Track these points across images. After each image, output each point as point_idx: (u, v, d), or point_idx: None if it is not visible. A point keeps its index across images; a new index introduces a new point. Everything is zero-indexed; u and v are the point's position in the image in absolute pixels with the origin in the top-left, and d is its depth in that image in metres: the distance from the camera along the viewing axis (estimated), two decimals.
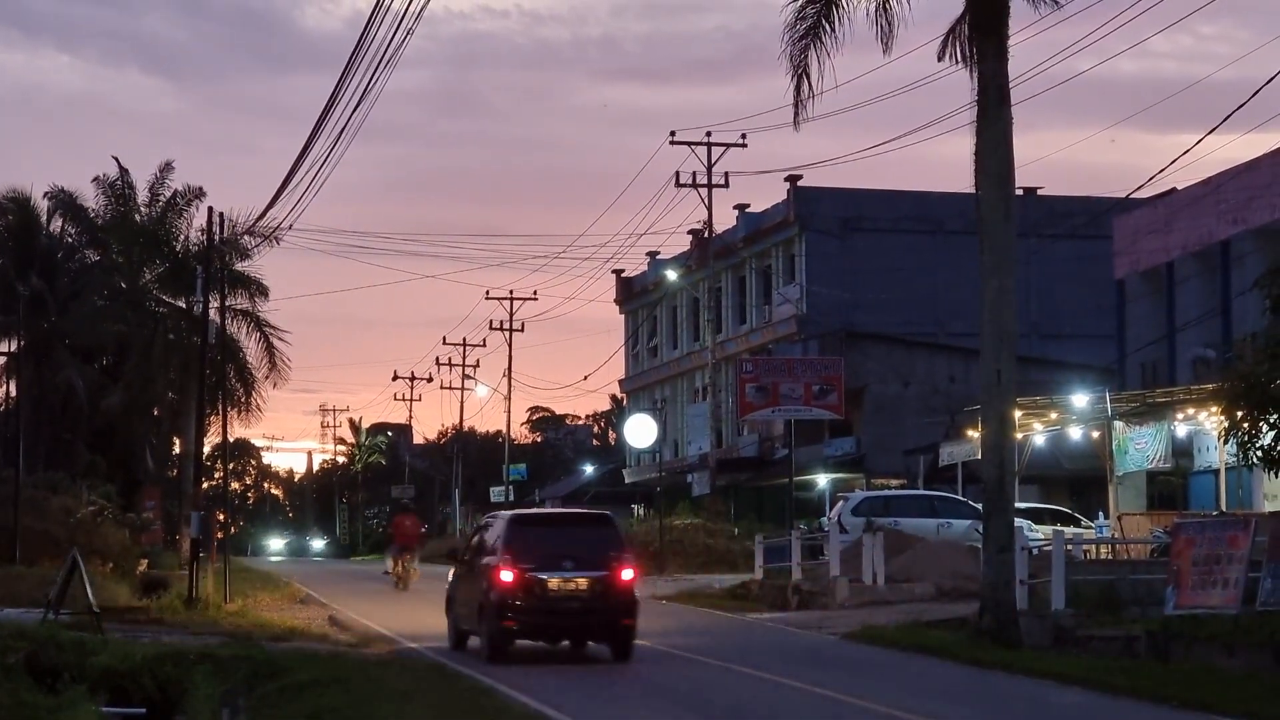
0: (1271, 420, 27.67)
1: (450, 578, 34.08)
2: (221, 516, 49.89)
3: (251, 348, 67.19)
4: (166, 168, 70.93)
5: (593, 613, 30.28)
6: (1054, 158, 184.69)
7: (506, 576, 29.82)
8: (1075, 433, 49.24)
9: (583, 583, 30.18)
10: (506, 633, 30.19)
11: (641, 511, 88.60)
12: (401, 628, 36.44)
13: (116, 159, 73.84)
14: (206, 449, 53.74)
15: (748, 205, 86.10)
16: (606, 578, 30.28)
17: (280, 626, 34.25)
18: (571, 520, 35.91)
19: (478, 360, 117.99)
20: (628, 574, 30.58)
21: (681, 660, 29.34)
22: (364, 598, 48.27)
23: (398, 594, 51.14)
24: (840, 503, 52.04)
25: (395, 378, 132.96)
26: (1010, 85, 32.69)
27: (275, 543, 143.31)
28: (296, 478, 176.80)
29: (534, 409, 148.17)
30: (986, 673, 27.44)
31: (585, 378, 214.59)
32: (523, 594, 29.88)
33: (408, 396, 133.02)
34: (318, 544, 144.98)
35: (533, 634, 30.75)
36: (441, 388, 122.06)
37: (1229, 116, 34.90)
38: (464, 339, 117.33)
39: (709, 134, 76.61)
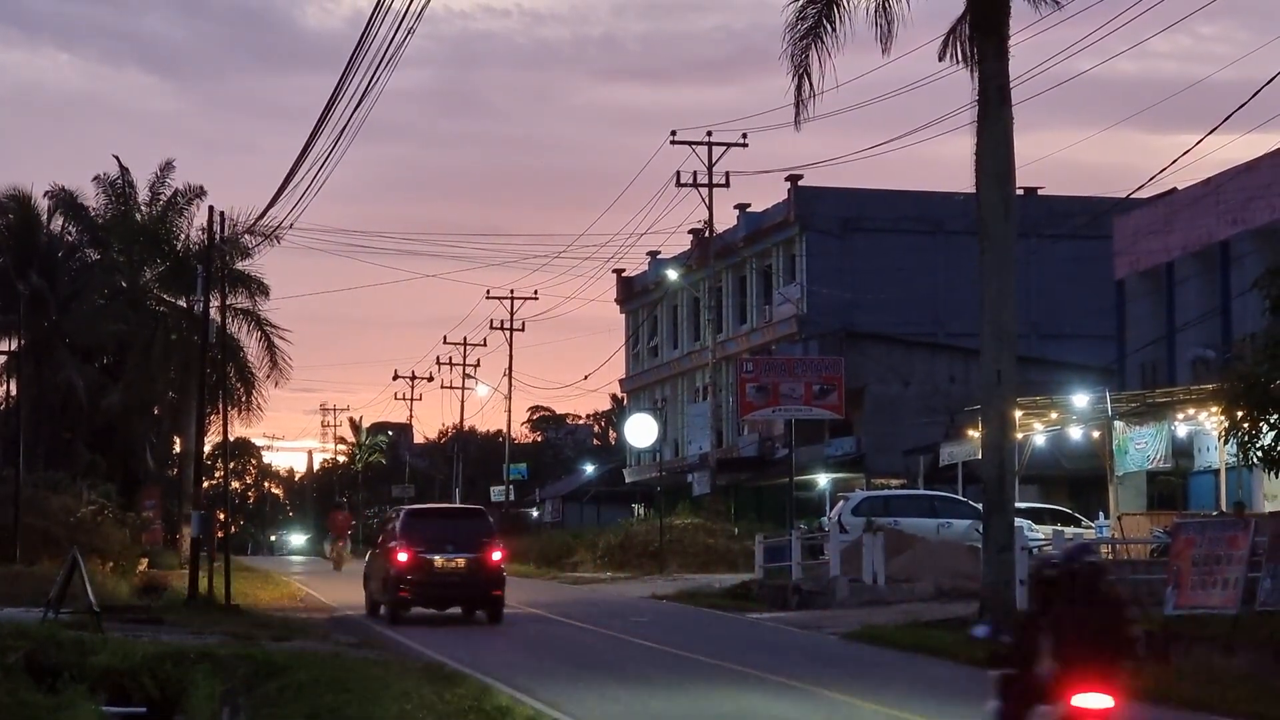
0: (1271, 420, 27.66)
1: (367, 558, 42.06)
2: (222, 515, 49.84)
3: (252, 347, 67.37)
4: (167, 167, 71.10)
5: (469, 585, 38.62)
6: (1054, 158, 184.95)
7: (403, 557, 38.24)
8: (1075, 433, 49.23)
9: (461, 562, 38.48)
10: (403, 601, 38.43)
11: (642, 511, 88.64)
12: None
13: (117, 158, 74.00)
14: (207, 448, 53.78)
15: (748, 205, 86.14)
16: (480, 558, 38.59)
17: (280, 625, 34.29)
18: (454, 513, 45.18)
19: (478, 360, 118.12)
20: (496, 555, 39.03)
21: (682, 659, 29.32)
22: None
23: (335, 574, 65.01)
24: (840, 502, 52.05)
25: (396, 377, 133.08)
26: (1011, 85, 32.72)
27: (297, 538, 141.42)
28: (297, 477, 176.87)
29: (534, 408, 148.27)
30: (985, 673, 27.38)
31: (586, 377, 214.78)
32: (415, 570, 38.21)
33: (408, 396, 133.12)
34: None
35: (423, 602, 38.83)
36: (442, 387, 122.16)
37: (1229, 117, 34.94)
38: (464, 338, 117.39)
39: (710, 134, 76.66)
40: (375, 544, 43.52)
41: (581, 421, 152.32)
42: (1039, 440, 50.46)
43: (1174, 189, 58.26)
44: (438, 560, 38.42)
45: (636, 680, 26.38)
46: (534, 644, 32.09)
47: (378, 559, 41.05)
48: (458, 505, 65.99)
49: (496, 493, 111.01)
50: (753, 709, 22.79)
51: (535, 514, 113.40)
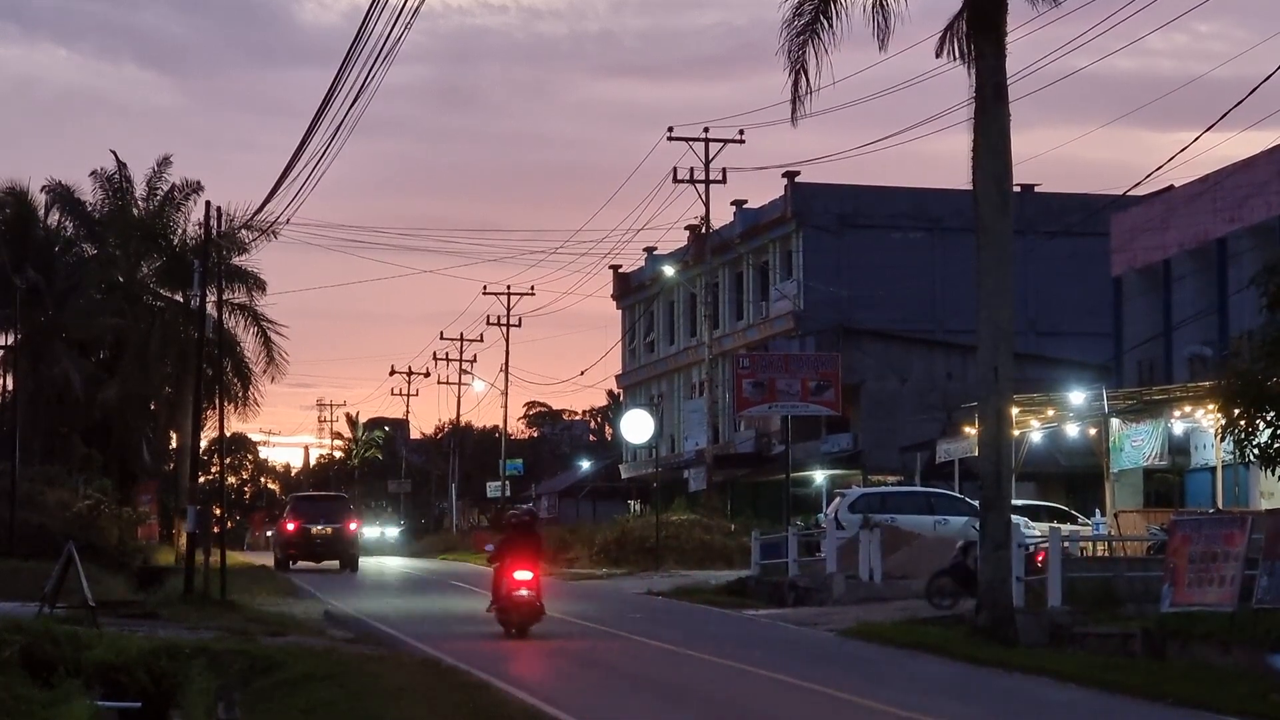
0: (1268, 418, 27.66)
1: (275, 530, 56.35)
2: (218, 511, 49.79)
3: (249, 342, 67.37)
4: (164, 162, 70.97)
5: (334, 545, 60.83)
6: (1052, 155, 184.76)
7: (290, 526, 61.41)
8: (1072, 430, 49.23)
9: (329, 530, 60.91)
10: (291, 556, 60.72)
11: (638, 507, 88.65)
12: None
13: (114, 153, 73.82)
14: (203, 443, 53.78)
15: (745, 201, 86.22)
16: (342, 527, 61.38)
17: (276, 620, 34.27)
18: (326, 499, 69.65)
19: (475, 355, 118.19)
20: (353, 526, 63.01)
21: (684, 658, 29.32)
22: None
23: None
24: (837, 499, 52.03)
25: (392, 372, 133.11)
26: (1008, 82, 32.69)
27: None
28: (293, 472, 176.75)
29: (531, 404, 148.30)
30: (982, 670, 27.44)
31: (582, 373, 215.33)
32: (298, 535, 60.87)
33: (405, 391, 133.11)
34: None
35: (304, 557, 60.77)
36: (439, 383, 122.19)
37: (1226, 114, 34.79)
38: (461, 334, 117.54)
39: (707, 130, 76.64)
40: (278, 521, 66.39)
41: (578, 417, 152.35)
42: (1036, 437, 50.47)
43: (1171, 186, 58.28)
44: (314, 529, 60.92)
45: (634, 677, 26.39)
46: (529, 642, 32.03)
47: (278, 529, 64.82)
48: (329, 493, 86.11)
49: (493, 488, 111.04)
50: (748, 705, 22.78)
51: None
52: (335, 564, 60.66)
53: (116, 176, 71.06)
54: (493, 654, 28.83)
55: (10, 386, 66.10)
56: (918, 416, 70.06)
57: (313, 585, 49.09)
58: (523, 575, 30.54)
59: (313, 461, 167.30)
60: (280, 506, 72.52)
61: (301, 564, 60.71)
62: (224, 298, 57.09)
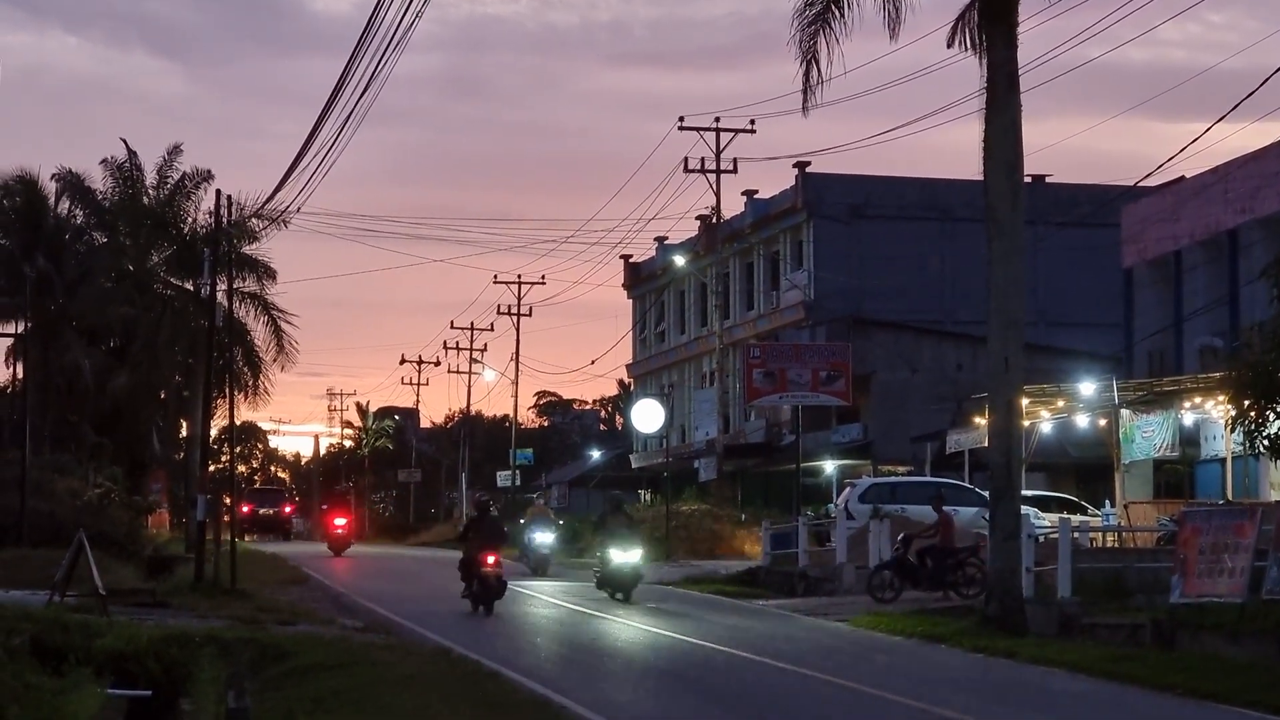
0: (1278, 409, 27.64)
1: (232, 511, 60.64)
2: (227, 499, 49.85)
3: (259, 331, 67.34)
4: (174, 150, 70.91)
5: (275, 523, 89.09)
6: (1063, 145, 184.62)
7: (245, 509, 78.92)
8: (1082, 421, 49.19)
9: (272, 511, 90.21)
10: (244, 530, 70.29)
11: (648, 497, 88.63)
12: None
13: (124, 141, 73.96)
14: (213, 432, 53.78)
15: (756, 191, 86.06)
16: (279, 509, 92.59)
17: (286, 609, 34.31)
18: (269, 490, 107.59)
19: (485, 344, 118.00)
20: (288, 509, 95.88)
21: (693, 647, 29.33)
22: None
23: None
24: (847, 489, 52.02)
25: (402, 361, 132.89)
26: (1019, 72, 32.67)
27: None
28: (303, 461, 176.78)
29: (541, 393, 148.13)
30: (992, 660, 27.45)
31: (593, 362, 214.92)
32: (251, 515, 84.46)
33: (415, 380, 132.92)
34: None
35: (255, 530, 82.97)
36: (449, 372, 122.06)
37: (1238, 105, 34.73)
38: (472, 323, 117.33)
39: (718, 119, 76.58)
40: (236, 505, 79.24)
41: (588, 407, 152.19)
42: (1046, 428, 50.40)
43: (1182, 177, 58.19)
44: (261, 511, 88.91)
45: (642, 667, 26.42)
46: (539, 630, 32.16)
47: (235, 511, 73.58)
48: (271, 486, 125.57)
49: (503, 477, 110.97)
50: (759, 694, 22.80)
51: (541, 500, 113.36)
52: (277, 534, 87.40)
53: (127, 165, 71.07)
54: (499, 643, 28.86)
55: (20, 375, 66.13)
56: (928, 407, 69.95)
57: (321, 574, 49.25)
58: (488, 557, 35.53)
59: (323, 450, 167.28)
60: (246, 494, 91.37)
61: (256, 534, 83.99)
62: (234, 286, 57.02)
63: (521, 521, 57.68)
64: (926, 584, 38.64)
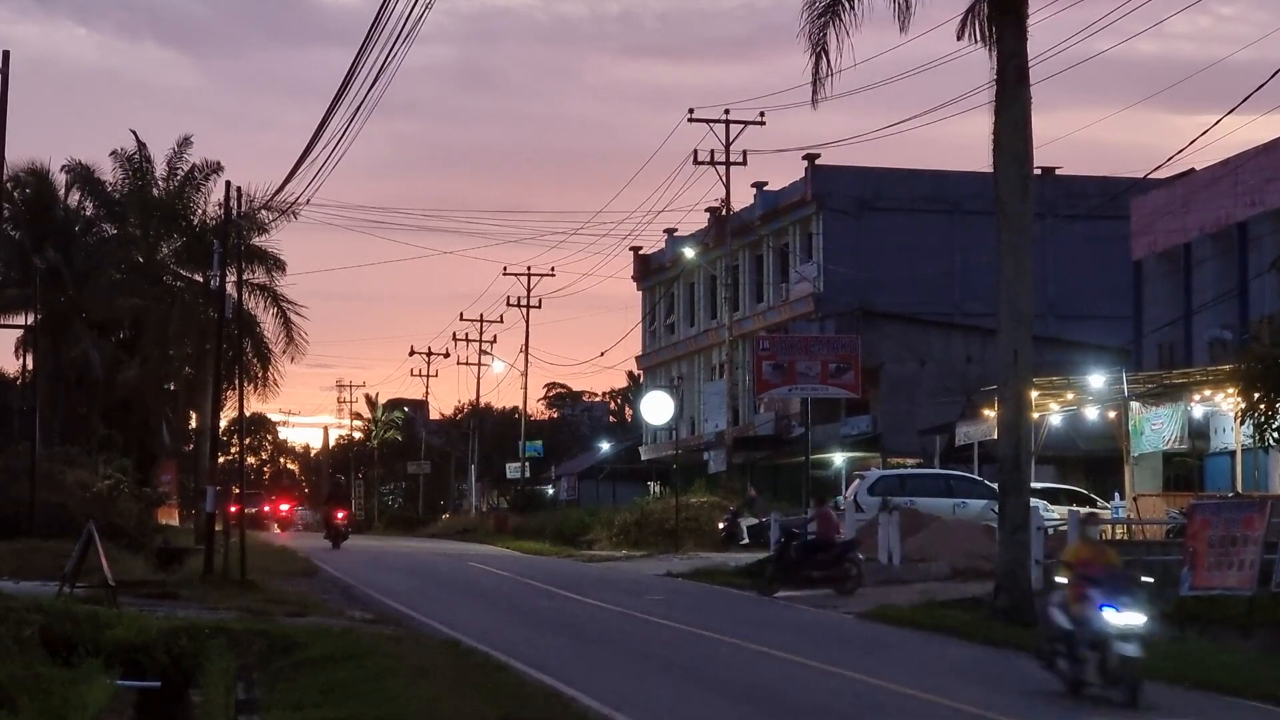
0: None
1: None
2: (237, 491, 49.83)
3: (268, 322, 67.41)
4: (184, 142, 70.90)
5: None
6: (1072, 138, 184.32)
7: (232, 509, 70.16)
8: (1092, 413, 49.18)
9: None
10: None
11: (658, 489, 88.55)
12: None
13: (134, 132, 73.82)
14: (223, 423, 53.78)
15: (765, 183, 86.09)
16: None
17: (296, 600, 34.34)
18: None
19: (495, 336, 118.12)
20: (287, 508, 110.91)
21: (703, 639, 29.33)
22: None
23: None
24: (856, 481, 52.03)
25: (412, 353, 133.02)
26: (1029, 64, 32.64)
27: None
28: (313, 453, 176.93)
29: (551, 385, 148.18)
30: (1001, 652, 27.43)
31: (602, 354, 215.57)
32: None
33: (424, 372, 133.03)
34: None
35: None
36: (458, 363, 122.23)
37: (1248, 98, 34.80)
38: (481, 315, 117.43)
39: (727, 112, 76.63)
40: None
41: (598, 399, 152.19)
42: (1055, 420, 50.41)
43: (1192, 170, 58.13)
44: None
45: (653, 658, 26.40)
46: (550, 622, 32.13)
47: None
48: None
49: (512, 469, 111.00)
50: (769, 686, 22.79)
51: (551, 491, 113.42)
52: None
53: (136, 156, 71.02)
54: (510, 635, 28.87)
55: (30, 367, 66.12)
56: (937, 399, 69.97)
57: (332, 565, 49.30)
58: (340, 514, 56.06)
59: (332, 442, 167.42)
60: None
61: None
62: (244, 278, 57.20)
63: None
64: (800, 579, 38.63)
